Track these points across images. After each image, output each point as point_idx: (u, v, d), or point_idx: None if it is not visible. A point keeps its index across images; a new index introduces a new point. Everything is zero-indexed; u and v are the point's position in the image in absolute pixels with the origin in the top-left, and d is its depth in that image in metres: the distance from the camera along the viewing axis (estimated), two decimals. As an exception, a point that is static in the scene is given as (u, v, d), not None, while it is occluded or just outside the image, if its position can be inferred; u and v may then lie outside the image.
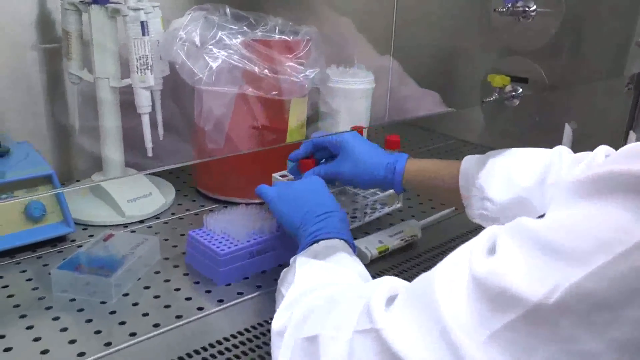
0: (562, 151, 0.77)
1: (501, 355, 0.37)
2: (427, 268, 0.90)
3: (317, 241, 0.72)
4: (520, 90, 1.43)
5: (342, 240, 0.73)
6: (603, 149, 0.73)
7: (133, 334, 0.72)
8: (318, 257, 0.68)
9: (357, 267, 0.68)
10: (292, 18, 1.12)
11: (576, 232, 0.36)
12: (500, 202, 0.77)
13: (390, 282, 0.52)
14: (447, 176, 0.85)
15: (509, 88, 1.44)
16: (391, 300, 0.47)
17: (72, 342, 0.71)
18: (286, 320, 0.57)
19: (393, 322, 0.44)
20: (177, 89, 1.07)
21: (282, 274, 0.71)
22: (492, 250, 0.41)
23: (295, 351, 0.53)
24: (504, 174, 0.78)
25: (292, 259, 0.71)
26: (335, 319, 0.51)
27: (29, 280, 0.84)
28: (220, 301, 0.80)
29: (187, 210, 1.09)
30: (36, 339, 0.71)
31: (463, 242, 0.98)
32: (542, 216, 0.53)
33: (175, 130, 1.11)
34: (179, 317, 0.76)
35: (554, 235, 0.37)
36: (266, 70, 0.97)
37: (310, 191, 0.82)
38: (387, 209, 1.06)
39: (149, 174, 1.13)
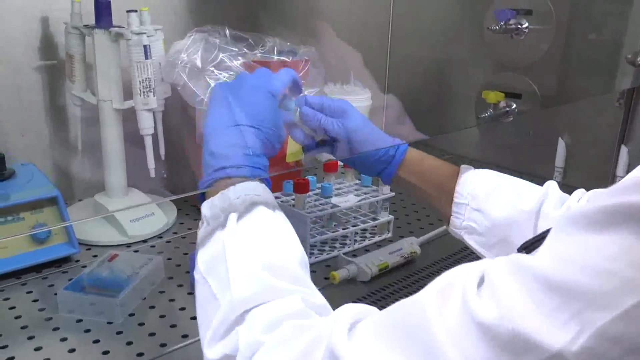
0: (553, 186, 0.76)
1: None
2: (427, 284, 0.92)
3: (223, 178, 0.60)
4: (514, 105, 1.46)
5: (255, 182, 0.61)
6: (579, 193, 0.73)
7: (140, 354, 0.74)
8: (244, 227, 0.56)
9: (295, 247, 0.57)
10: (288, 37, 1.14)
11: (592, 269, 0.33)
12: (494, 218, 0.76)
13: (351, 310, 0.46)
14: (444, 175, 0.82)
15: (502, 104, 1.47)
16: (354, 325, 0.43)
17: (81, 362, 0.72)
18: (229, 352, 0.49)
19: (362, 352, 0.41)
20: (176, 110, 1.09)
21: (200, 237, 0.58)
22: (492, 294, 0.37)
23: None
24: (506, 192, 0.77)
25: (207, 205, 0.58)
26: None
27: (35, 301, 0.85)
28: (225, 320, 0.81)
29: (189, 229, 1.10)
30: (45, 360, 0.72)
31: (462, 258, 1.01)
32: (529, 248, 0.51)
33: (176, 152, 1.13)
34: (185, 336, 0.77)
35: (565, 274, 0.34)
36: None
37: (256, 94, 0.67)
38: (377, 238, 1.07)
39: (151, 193, 1.14)
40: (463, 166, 0.82)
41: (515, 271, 0.37)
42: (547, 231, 0.54)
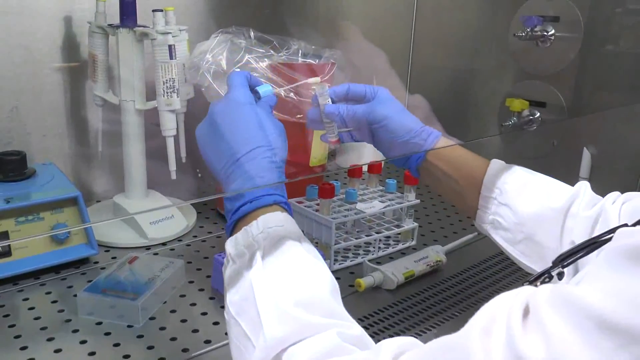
0: (585, 187, 0.74)
1: None
2: (454, 294, 0.90)
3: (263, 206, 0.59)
4: (538, 114, 1.44)
5: (280, 210, 0.59)
6: (613, 196, 0.69)
7: (162, 359, 0.72)
8: (270, 263, 0.55)
9: (324, 277, 0.55)
10: (313, 41, 1.13)
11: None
12: (521, 214, 0.74)
13: (393, 343, 0.45)
14: (475, 166, 0.79)
15: (526, 112, 1.44)
16: (396, 358, 0.42)
17: (101, 366, 0.70)
18: None
19: None
20: (199, 112, 1.08)
21: (227, 277, 0.57)
22: (539, 330, 0.34)
23: None
24: (536, 188, 0.75)
25: (232, 251, 0.57)
26: None
27: (55, 302, 0.84)
28: (248, 326, 0.79)
29: (209, 232, 1.08)
30: (65, 363, 0.70)
31: (489, 267, 0.98)
32: (565, 260, 0.50)
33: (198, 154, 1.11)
34: (207, 342, 0.75)
35: (622, 312, 0.32)
36: (292, 94, 0.98)
37: (231, 117, 0.64)
38: (400, 246, 1.05)
39: (171, 196, 1.12)
40: (494, 160, 0.80)
41: (563, 305, 0.34)
42: (585, 244, 0.52)
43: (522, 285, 0.45)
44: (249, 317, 0.52)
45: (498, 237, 0.77)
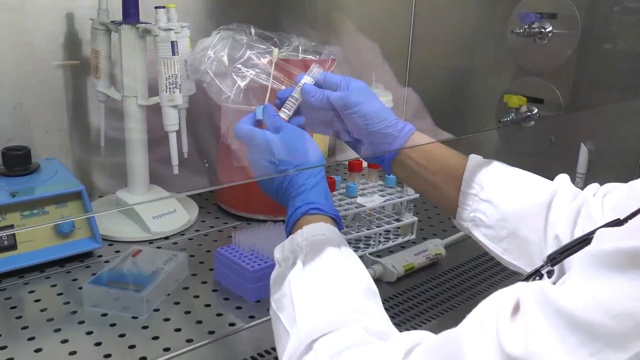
0: (565, 179, 0.73)
1: None
2: (453, 286, 0.91)
3: (303, 214, 0.67)
4: (536, 110, 1.45)
5: (331, 222, 0.67)
6: (593, 188, 0.69)
7: (167, 349, 0.73)
8: (309, 265, 0.61)
9: (359, 278, 0.61)
10: (313, 38, 1.14)
11: (613, 310, 0.34)
12: (504, 210, 0.72)
13: (410, 335, 0.48)
14: (453, 162, 0.77)
15: (524, 108, 1.46)
16: (411, 350, 0.46)
17: (108, 356, 0.71)
18: None
19: None
20: (200, 108, 1.09)
21: (273, 278, 0.64)
22: (524, 325, 0.38)
23: None
24: (516, 183, 0.74)
25: (281, 251, 0.65)
26: None
27: (60, 294, 0.85)
28: (252, 317, 0.81)
29: (211, 227, 1.10)
30: (72, 353, 0.71)
31: (488, 259, 0.99)
32: (555, 259, 0.52)
33: (199, 149, 1.12)
34: (211, 332, 0.77)
35: (590, 314, 0.35)
36: (293, 89, 0.99)
37: (293, 146, 0.73)
38: (400, 239, 1.06)
39: (173, 192, 1.13)
40: (472, 155, 0.77)
41: (543, 303, 0.37)
42: (573, 243, 0.53)
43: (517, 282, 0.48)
44: (287, 312, 0.58)
45: (480, 235, 0.75)
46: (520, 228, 0.71)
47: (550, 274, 0.53)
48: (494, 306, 0.40)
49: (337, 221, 0.68)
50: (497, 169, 0.76)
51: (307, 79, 0.80)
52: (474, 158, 0.77)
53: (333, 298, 0.57)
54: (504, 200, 0.73)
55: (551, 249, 0.65)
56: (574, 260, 0.54)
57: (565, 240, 0.65)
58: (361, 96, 0.78)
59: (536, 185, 0.73)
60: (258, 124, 0.77)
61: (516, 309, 0.39)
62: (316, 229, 0.64)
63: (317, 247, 0.62)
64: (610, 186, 0.66)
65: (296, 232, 0.64)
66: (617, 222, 0.48)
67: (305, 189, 0.69)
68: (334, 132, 0.84)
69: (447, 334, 0.43)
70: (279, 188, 0.72)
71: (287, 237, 0.66)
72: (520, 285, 0.41)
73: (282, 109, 0.79)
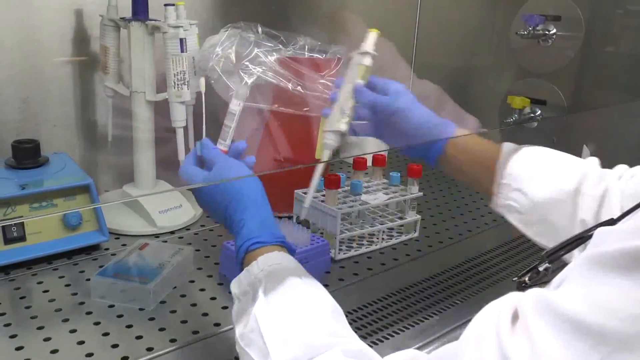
0: (594, 163, 0.76)
1: None
2: (454, 284, 0.92)
3: (246, 252, 0.66)
4: (539, 112, 1.46)
5: (281, 250, 0.66)
6: (620, 169, 0.73)
7: (173, 340, 0.74)
8: (272, 295, 0.59)
9: (324, 301, 0.60)
10: (318, 37, 1.15)
11: (621, 312, 0.34)
12: (533, 198, 0.76)
13: (399, 356, 0.48)
14: (489, 153, 0.82)
15: (527, 110, 1.47)
16: None
17: (115, 346, 0.72)
18: None
19: None
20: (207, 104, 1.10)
21: (234, 314, 0.63)
22: (526, 335, 0.37)
23: None
24: (546, 171, 0.77)
25: (237, 288, 0.63)
26: None
27: (68, 285, 0.86)
28: (256, 310, 0.82)
29: (216, 222, 1.10)
30: (80, 342, 0.73)
31: (487, 259, 1.00)
32: (553, 256, 0.54)
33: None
34: (217, 324, 0.78)
35: (597, 318, 0.34)
36: (299, 87, 1.00)
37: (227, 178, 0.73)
38: (403, 237, 1.08)
39: (179, 187, 1.14)
40: (505, 144, 0.82)
41: (545, 310, 0.37)
42: (571, 240, 0.55)
43: (512, 280, 0.50)
44: (257, 346, 0.56)
45: (513, 219, 0.79)
46: (550, 214, 0.75)
47: (547, 270, 0.54)
48: (490, 319, 0.40)
49: (286, 247, 0.68)
50: (528, 156, 0.79)
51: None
52: (506, 146, 0.81)
53: (304, 325, 0.56)
54: (534, 188, 0.76)
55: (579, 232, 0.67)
56: (573, 255, 0.55)
57: (591, 224, 0.68)
58: (407, 101, 0.84)
59: (566, 170, 0.76)
60: (200, 160, 0.77)
61: (515, 319, 0.39)
62: (271, 259, 0.63)
63: (275, 277, 0.61)
64: (637, 169, 0.70)
65: (250, 264, 0.63)
66: (611, 222, 0.50)
67: (244, 224, 0.68)
68: (378, 135, 0.88)
69: (442, 351, 0.43)
70: (225, 224, 0.72)
71: (240, 270, 0.65)
72: (514, 295, 0.41)
73: (219, 139, 0.81)
